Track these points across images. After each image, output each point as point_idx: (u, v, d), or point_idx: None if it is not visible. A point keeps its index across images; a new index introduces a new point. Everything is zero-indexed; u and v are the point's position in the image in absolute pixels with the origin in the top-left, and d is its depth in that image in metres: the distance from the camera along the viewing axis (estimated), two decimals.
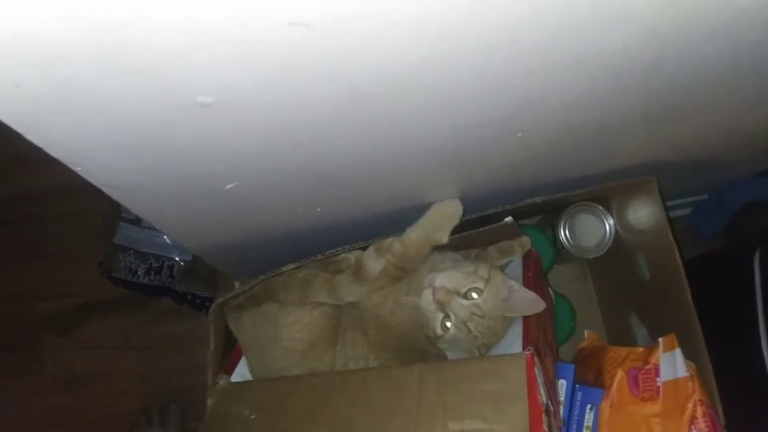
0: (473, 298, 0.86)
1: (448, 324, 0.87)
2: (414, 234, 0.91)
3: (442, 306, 0.87)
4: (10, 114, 0.45)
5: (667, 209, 0.93)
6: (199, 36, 0.40)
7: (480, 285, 0.87)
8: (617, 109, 0.68)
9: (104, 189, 0.61)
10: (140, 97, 0.46)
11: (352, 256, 0.96)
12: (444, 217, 0.91)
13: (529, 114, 0.64)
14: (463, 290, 0.87)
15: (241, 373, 1.00)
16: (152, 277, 1.49)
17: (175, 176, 0.64)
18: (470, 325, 0.86)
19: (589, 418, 0.89)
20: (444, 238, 0.90)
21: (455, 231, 0.91)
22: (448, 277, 0.89)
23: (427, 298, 0.89)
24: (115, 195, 0.64)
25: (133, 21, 0.37)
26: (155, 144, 0.55)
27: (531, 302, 0.87)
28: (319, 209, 0.85)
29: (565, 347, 1.17)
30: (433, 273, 0.91)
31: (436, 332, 0.88)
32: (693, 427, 0.82)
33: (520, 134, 0.69)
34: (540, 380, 0.72)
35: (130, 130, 0.50)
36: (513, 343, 0.84)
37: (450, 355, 0.90)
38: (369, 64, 0.48)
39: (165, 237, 1.48)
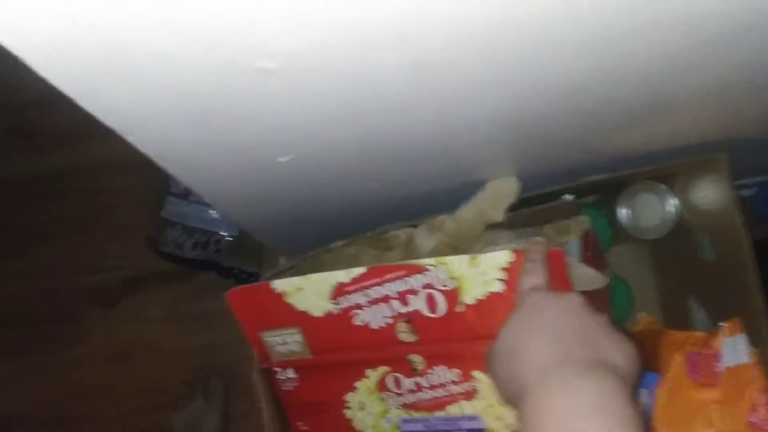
0: None
1: None
2: (468, 212, 0.89)
3: None
4: (65, 78, 0.43)
5: (736, 189, 0.89)
6: None
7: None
8: (696, 80, 0.64)
9: (156, 160, 0.60)
10: (201, 62, 0.44)
11: (402, 233, 0.94)
12: (499, 195, 0.88)
13: (606, 85, 0.61)
14: None
15: None
16: (199, 252, 1.50)
17: (230, 147, 0.62)
18: None
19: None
20: (499, 216, 0.88)
21: (510, 209, 0.88)
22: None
23: None
24: (167, 166, 0.63)
25: None
26: (209, 112, 0.53)
27: (591, 277, 0.84)
28: (373, 185, 0.83)
29: None
30: (491, 247, 0.88)
31: None
32: (753, 414, 0.79)
33: (590, 108, 0.66)
34: None
35: (188, 97, 0.49)
36: None
37: None
38: (436, 30, 0.45)
39: (212, 212, 1.49)
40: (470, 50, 0.50)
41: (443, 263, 0.72)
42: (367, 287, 0.76)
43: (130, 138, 0.54)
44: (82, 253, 1.72)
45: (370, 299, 0.77)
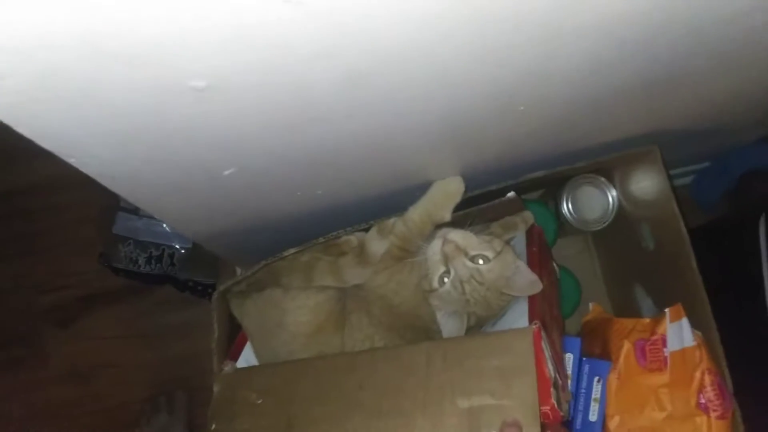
0: (478, 264, 0.86)
1: (446, 279, 0.87)
2: (416, 213, 0.90)
3: (446, 259, 0.87)
4: None
5: (670, 178, 0.92)
6: (190, 17, 0.39)
7: (489, 254, 0.87)
8: (619, 78, 0.67)
9: (100, 180, 0.60)
10: (130, 83, 0.44)
11: (354, 238, 0.95)
12: (446, 194, 0.90)
13: (531, 86, 0.63)
14: (472, 253, 0.87)
15: (247, 358, 0.99)
16: (153, 266, 1.49)
17: (171, 164, 0.63)
18: (466, 287, 0.86)
19: (596, 391, 0.89)
20: (446, 216, 0.90)
21: (457, 209, 0.90)
22: (461, 235, 0.88)
23: (434, 247, 0.88)
24: (112, 185, 0.63)
25: (119, 4, 0.36)
26: (148, 131, 0.53)
27: (529, 283, 0.86)
28: (319, 192, 0.84)
29: (571, 321, 1.17)
30: (449, 228, 0.90)
31: (432, 284, 0.88)
32: (701, 395, 0.82)
33: (522, 108, 0.68)
34: (547, 354, 0.72)
35: (122, 117, 0.49)
36: (519, 318, 0.83)
37: (439, 316, 0.89)
38: (363, 40, 0.47)
39: (164, 225, 1.47)
40: (398, 58, 0.51)
41: None
42: None
43: (71, 160, 0.54)
44: (35, 273, 1.68)
45: None
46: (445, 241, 0.87)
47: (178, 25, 0.39)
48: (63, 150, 0.51)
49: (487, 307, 0.88)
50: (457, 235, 0.88)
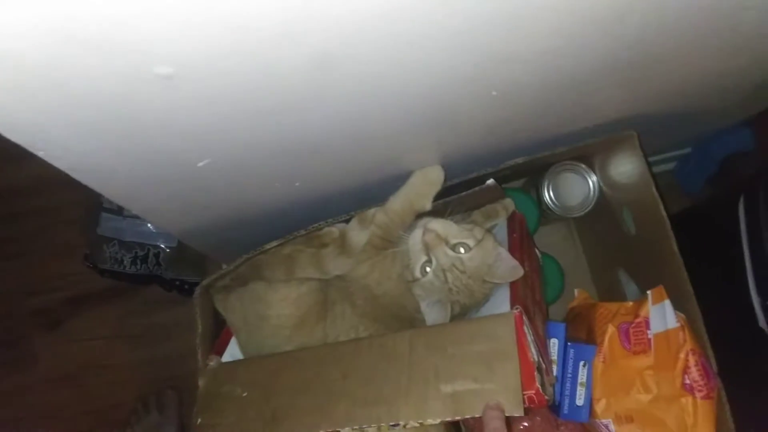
0: (459, 252, 0.86)
1: (428, 269, 0.87)
2: (396, 203, 0.90)
3: (427, 249, 0.87)
4: None
5: (649, 163, 0.92)
6: (150, 2, 0.38)
7: (470, 242, 0.87)
8: (591, 59, 0.67)
9: (72, 173, 0.60)
10: (96, 70, 0.44)
11: (335, 230, 0.95)
12: (426, 183, 0.90)
13: (502, 70, 0.63)
14: (453, 241, 0.87)
15: (232, 353, 1.00)
16: (139, 266, 1.48)
17: (143, 156, 0.62)
18: (448, 275, 0.86)
19: (582, 375, 0.89)
20: (427, 204, 0.90)
21: (437, 198, 0.90)
22: (442, 224, 0.89)
23: (415, 237, 0.89)
24: (85, 179, 0.62)
25: None
26: (117, 122, 0.53)
27: (511, 269, 0.87)
28: (298, 183, 0.84)
29: (556, 307, 1.17)
30: (429, 217, 0.90)
31: (414, 274, 0.88)
32: (686, 376, 0.82)
33: (494, 93, 0.68)
34: (530, 338, 0.72)
35: (89, 107, 0.49)
36: (501, 304, 0.83)
37: (423, 306, 0.90)
38: (331, 21, 0.46)
39: (149, 225, 1.47)
40: (368, 42, 0.51)
41: None
42: None
43: (40, 153, 0.54)
44: (21, 276, 1.67)
45: None
46: (426, 231, 0.87)
47: (141, 6, 0.39)
48: (31, 142, 0.51)
49: (470, 295, 0.88)
50: (438, 224, 0.88)
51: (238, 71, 0.49)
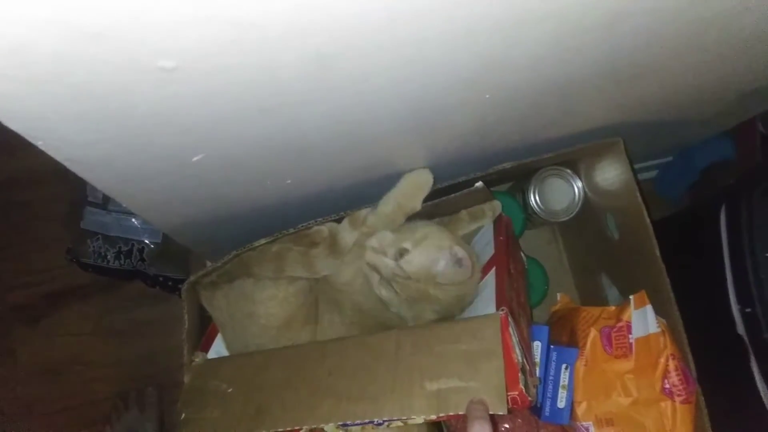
0: (400, 259, 0.86)
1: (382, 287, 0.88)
2: (387, 205, 0.91)
3: (374, 267, 0.87)
4: None
5: (634, 169, 0.94)
6: None
7: (407, 245, 0.87)
8: (581, 66, 0.68)
9: (68, 164, 0.60)
10: (99, 61, 0.44)
11: (325, 228, 0.95)
12: (415, 186, 0.91)
13: (495, 74, 0.64)
14: (390, 250, 0.87)
15: (218, 350, 0.99)
16: (122, 261, 1.47)
17: (140, 149, 0.62)
18: (395, 286, 0.86)
19: (564, 378, 0.90)
20: (417, 206, 0.91)
21: (427, 199, 0.91)
22: (377, 238, 0.89)
23: (364, 259, 0.89)
24: (80, 171, 0.62)
25: None
26: (117, 113, 0.53)
27: (454, 270, 0.86)
28: (289, 181, 0.84)
29: (539, 311, 1.18)
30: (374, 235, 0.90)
31: (380, 294, 0.89)
32: (666, 381, 0.84)
33: (487, 96, 0.69)
34: (515, 339, 0.73)
35: (91, 98, 0.49)
36: (486, 306, 0.84)
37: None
38: (331, 21, 0.47)
39: (133, 220, 1.46)
40: (369, 42, 0.52)
41: None
42: None
43: (39, 143, 0.54)
44: (2, 271, 1.66)
45: None
46: (366, 251, 0.88)
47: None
48: (31, 131, 0.51)
49: (435, 301, 0.87)
50: (373, 240, 0.88)
51: (237, 66, 0.50)
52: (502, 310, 0.75)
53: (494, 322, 0.73)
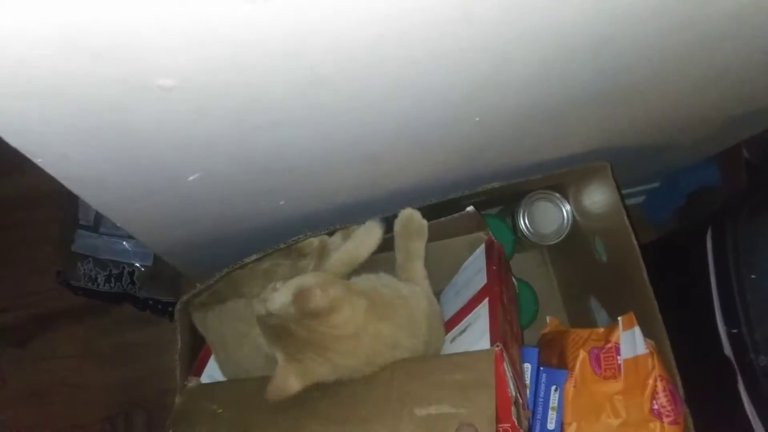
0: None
1: None
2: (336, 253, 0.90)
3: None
4: None
5: (621, 193, 0.94)
6: (160, 11, 0.40)
7: (278, 285, 0.78)
8: (569, 89, 0.70)
9: (65, 182, 0.60)
10: (99, 79, 0.45)
11: (316, 240, 0.94)
12: (368, 237, 0.89)
13: (484, 96, 0.65)
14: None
15: (210, 375, 0.98)
16: (113, 284, 1.47)
17: (137, 168, 0.63)
18: (260, 327, 0.81)
19: (554, 399, 0.90)
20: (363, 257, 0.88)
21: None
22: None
23: None
24: (77, 189, 0.63)
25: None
26: (115, 131, 0.54)
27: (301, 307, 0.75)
28: (282, 202, 0.84)
29: (529, 332, 1.18)
30: None
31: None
32: (654, 402, 0.84)
33: (477, 119, 0.70)
34: (509, 374, 0.73)
35: (90, 115, 0.50)
36: (480, 337, 0.84)
37: None
38: (325, 42, 0.48)
39: (124, 243, 1.46)
40: (358, 63, 0.53)
41: None
42: None
43: (38, 160, 0.54)
44: None
45: None
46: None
47: (149, 19, 0.40)
48: (31, 148, 0.51)
49: (300, 339, 0.76)
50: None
51: (235, 86, 0.51)
52: (497, 346, 0.75)
53: (489, 357, 0.73)
